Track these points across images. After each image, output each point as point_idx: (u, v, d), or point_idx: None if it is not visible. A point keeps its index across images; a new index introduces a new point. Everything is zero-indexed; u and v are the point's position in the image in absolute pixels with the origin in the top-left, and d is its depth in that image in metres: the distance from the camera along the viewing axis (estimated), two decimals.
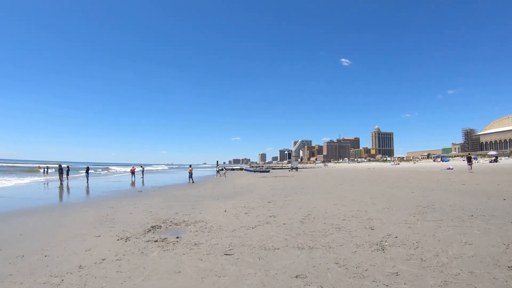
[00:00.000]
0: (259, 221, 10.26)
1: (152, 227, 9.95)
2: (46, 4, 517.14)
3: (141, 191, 24.31)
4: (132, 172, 42.76)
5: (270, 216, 11.08)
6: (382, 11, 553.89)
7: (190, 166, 36.48)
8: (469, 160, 39.85)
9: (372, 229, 8.62)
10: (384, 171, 51.84)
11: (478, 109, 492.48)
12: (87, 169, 36.77)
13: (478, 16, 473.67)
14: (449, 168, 47.54)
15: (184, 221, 10.88)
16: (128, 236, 8.67)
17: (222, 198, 17.85)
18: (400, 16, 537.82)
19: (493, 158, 69.40)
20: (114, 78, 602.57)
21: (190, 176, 35.31)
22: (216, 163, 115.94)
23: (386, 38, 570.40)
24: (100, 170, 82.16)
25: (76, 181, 36.97)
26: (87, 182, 33.65)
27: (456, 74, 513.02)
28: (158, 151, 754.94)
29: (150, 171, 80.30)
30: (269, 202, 15.13)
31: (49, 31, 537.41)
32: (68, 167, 34.11)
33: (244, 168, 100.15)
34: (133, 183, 34.66)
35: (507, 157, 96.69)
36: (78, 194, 22.47)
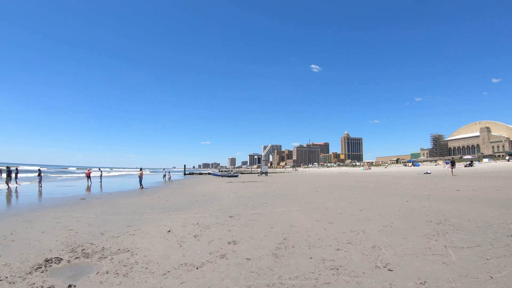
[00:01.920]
0: (210, 253, 6.89)
1: (47, 260, 6.61)
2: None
3: (84, 198, 20.55)
4: (88, 176, 39.02)
5: (229, 243, 7.71)
6: (351, 17, 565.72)
7: (140, 169, 32.46)
8: (453, 164, 41.04)
9: (389, 269, 5.46)
10: (359, 176, 49.58)
11: (445, 115, 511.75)
12: (39, 172, 32.55)
13: (445, 18, 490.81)
14: (426, 173, 45.95)
15: (103, 248, 7.54)
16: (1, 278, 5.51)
17: (174, 210, 14.34)
18: (369, 24, 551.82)
19: (468, 163, 69.02)
20: (80, 75, 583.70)
21: (140, 181, 31.47)
22: (183, 166, 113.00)
23: (355, 46, 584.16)
24: (55, 174, 75.95)
25: (28, 185, 32.53)
26: (40, 186, 30.12)
27: (424, 82, 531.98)
28: (127, 154, 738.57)
29: (113, 175, 75.05)
30: (231, 216, 11.77)
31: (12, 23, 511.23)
32: (16, 169, 30.01)
33: (211, 172, 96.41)
34: (88, 188, 31.59)
35: (477, 162, 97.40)
36: (9, 201, 18.38)
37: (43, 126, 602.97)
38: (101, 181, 41.75)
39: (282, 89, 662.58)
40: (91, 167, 50.00)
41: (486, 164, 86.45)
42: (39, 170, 33.81)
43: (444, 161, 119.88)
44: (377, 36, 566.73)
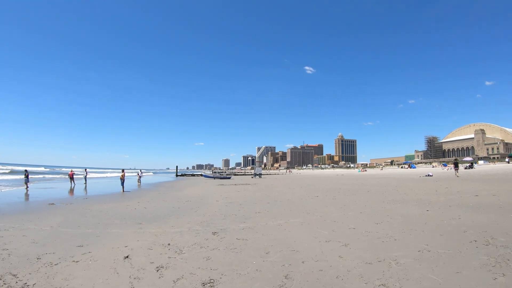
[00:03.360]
0: None
1: None
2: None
3: (53, 203, 18.05)
4: (71, 177, 36.87)
5: (204, 284, 5.16)
6: (346, 19, 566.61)
7: (123, 170, 29.74)
8: (456, 165, 41.03)
9: None
10: (357, 179, 47.11)
11: (439, 118, 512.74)
12: (26, 174, 30.38)
13: (437, 22, 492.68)
14: (428, 175, 43.71)
15: (22, 287, 5.08)
16: None
17: (148, 221, 11.81)
18: (363, 27, 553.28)
19: (469, 165, 66.98)
20: (73, 76, 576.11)
21: (122, 183, 28.74)
22: (176, 168, 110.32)
23: (349, 48, 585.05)
24: (40, 175, 72.66)
25: (14, 188, 29.70)
26: (27, 188, 28.84)
27: (416, 84, 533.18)
28: (120, 154, 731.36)
29: (100, 177, 71.90)
30: (214, 233, 9.24)
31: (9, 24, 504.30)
32: None
33: (203, 174, 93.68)
34: (71, 190, 29.80)
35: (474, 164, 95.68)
36: None
37: (35, 126, 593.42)
38: (85, 183, 39.03)
39: (276, 90, 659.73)
40: (84, 168, 47.65)
41: (486, 166, 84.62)
42: (26, 171, 31.54)
43: (442, 163, 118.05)
44: (371, 39, 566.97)
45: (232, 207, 15.50)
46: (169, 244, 7.96)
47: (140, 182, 45.71)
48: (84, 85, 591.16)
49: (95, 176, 75.75)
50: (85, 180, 40.74)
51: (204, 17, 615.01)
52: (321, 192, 23.02)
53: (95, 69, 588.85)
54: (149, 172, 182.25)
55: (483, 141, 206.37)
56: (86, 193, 27.95)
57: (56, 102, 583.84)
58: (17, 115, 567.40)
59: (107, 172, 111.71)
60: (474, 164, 72.05)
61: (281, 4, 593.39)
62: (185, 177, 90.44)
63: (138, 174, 47.91)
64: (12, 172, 71.89)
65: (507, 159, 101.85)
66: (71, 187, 33.69)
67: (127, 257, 6.89)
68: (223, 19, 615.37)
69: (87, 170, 45.98)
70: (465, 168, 61.77)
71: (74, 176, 37.68)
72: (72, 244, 8.30)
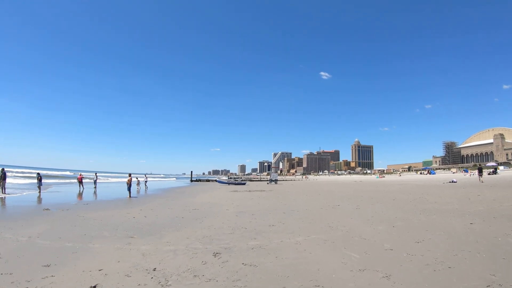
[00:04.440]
0: None
1: None
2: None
3: (48, 209, 16.61)
4: (79, 181, 35.52)
5: None
6: (361, 25, 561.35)
7: (129, 175, 28.07)
8: (480, 171, 38.63)
9: None
10: (378, 185, 44.57)
11: (456, 123, 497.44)
12: (39, 178, 29.06)
13: (454, 27, 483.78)
14: (452, 181, 41.11)
15: None
16: None
17: (142, 234, 10.03)
18: (378, 33, 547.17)
19: (492, 170, 63.49)
20: (91, 80, 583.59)
21: (128, 188, 27.04)
22: (190, 173, 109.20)
23: (365, 53, 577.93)
24: (53, 179, 71.95)
25: (25, 193, 28.48)
26: (39, 192, 27.56)
27: (433, 89, 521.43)
28: (137, 159, 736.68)
29: (112, 181, 70.82)
30: (216, 254, 7.34)
31: (27, 24, 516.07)
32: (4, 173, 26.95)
33: (217, 179, 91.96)
34: (79, 195, 28.88)
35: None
36: None
37: (53, 130, 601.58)
38: (95, 187, 37.97)
39: (292, 96, 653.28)
40: (98, 172, 46.57)
41: (508, 171, 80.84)
42: (38, 174, 30.25)
43: (462, 169, 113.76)
44: (387, 45, 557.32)
45: (243, 217, 13.58)
46: (154, 270, 6.12)
47: (146, 187, 44.45)
48: (104, 90, 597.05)
49: (108, 181, 75.05)
50: (95, 184, 39.56)
51: (221, 26, 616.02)
52: (342, 200, 20.90)
53: (114, 75, 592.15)
54: (171, 177, 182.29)
55: (503, 146, 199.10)
56: (96, 197, 27.02)
57: (72, 106, 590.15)
58: (39, 120, 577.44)
59: (121, 177, 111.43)
60: (497, 169, 68.32)
61: (296, 12, 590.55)
62: (199, 182, 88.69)
63: (138, 178, 46.21)
64: (30, 177, 71.58)
65: None
66: (79, 191, 32.60)
67: (94, 287, 5.11)
68: (238, 28, 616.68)
69: (97, 174, 44.96)
70: (489, 174, 58.56)
71: (83, 180, 36.50)
72: (39, 262, 6.67)
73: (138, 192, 33.48)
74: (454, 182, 40.51)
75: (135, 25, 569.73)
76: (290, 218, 13.12)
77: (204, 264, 6.52)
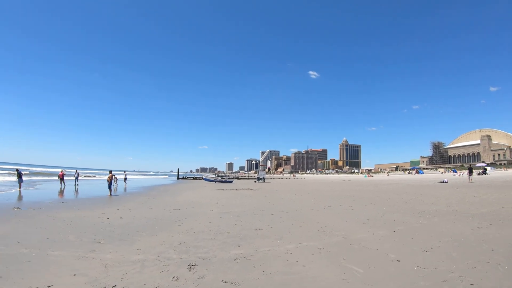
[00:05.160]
0: None
1: None
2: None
3: (18, 208, 15.40)
4: (61, 178, 34.11)
5: None
6: (349, 25, 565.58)
7: (110, 172, 26.66)
8: (470, 171, 40.42)
9: None
10: (367, 185, 43.77)
11: (443, 123, 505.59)
12: (19, 174, 28.00)
13: (441, 30, 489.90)
14: (443, 181, 40.68)
15: None
16: None
17: (110, 238, 8.80)
18: (368, 35, 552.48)
19: (482, 170, 63.51)
20: (80, 79, 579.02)
21: (109, 185, 25.74)
22: (177, 170, 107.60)
23: (353, 54, 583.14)
24: (34, 176, 69.84)
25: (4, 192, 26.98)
26: (19, 189, 27.01)
27: (420, 90, 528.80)
28: (124, 157, 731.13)
29: (96, 179, 68.79)
30: (191, 266, 6.17)
31: (13, 29, 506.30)
32: None
33: (203, 177, 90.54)
34: (61, 192, 27.84)
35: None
36: None
37: (42, 127, 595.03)
38: (76, 184, 36.47)
39: (280, 95, 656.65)
40: (85, 169, 45.07)
41: (497, 172, 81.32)
42: (17, 170, 28.95)
43: (451, 169, 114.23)
44: (375, 46, 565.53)
45: (227, 219, 12.41)
46: None
47: (126, 184, 43.07)
48: (90, 88, 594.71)
49: (92, 178, 73.26)
50: (76, 181, 38.02)
51: (210, 28, 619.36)
52: (333, 200, 19.88)
53: (100, 73, 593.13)
54: (161, 175, 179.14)
55: (490, 147, 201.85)
56: (77, 195, 25.75)
57: (60, 104, 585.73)
58: (25, 118, 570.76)
59: (107, 175, 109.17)
60: (487, 170, 68.42)
61: (285, 13, 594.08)
62: (186, 180, 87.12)
63: (114, 176, 44.65)
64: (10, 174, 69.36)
65: None
66: (60, 188, 31.15)
67: None
68: (226, 28, 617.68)
69: (78, 170, 43.29)
70: (478, 174, 58.56)
71: (64, 177, 34.95)
72: None
73: (115, 190, 31.98)
74: (445, 182, 40.08)
75: (125, 27, 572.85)
76: (278, 220, 12.01)
77: (175, 280, 5.36)
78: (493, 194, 20.38)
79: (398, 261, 6.29)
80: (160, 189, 36.72)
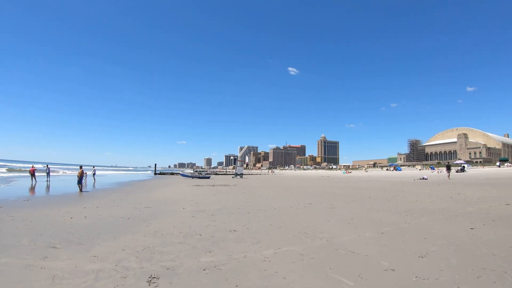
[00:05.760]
0: None
1: None
2: None
3: None
4: (32, 174, 32.97)
5: None
6: (330, 23, 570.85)
7: (81, 167, 25.32)
8: (449, 168, 43.05)
9: None
10: (347, 181, 43.39)
11: (421, 121, 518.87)
12: None
13: (420, 30, 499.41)
14: (423, 178, 40.83)
15: None
16: None
17: (67, 242, 7.77)
18: (347, 34, 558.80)
19: (460, 168, 64.57)
20: (58, 73, 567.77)
21: (79, 181, 24.35)
22: (154, 166, 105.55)
23: (333, 52, 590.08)
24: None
25: None
26: None
27: (399, 89, 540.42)
28: (102, 152, 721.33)
29: (70, 174, 66.42)
30: (151, 279, 5.22)
31: None
32: None
33: (180, 172, 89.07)
34: (31, 188, 26.88)
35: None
36: None
37: (15, 122, 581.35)
38: (48, 180, 35.25)
39: (260, 91, 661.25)
40: (61, 164, 43.40)
41: (475, 170, 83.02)
42: None
43: (429, 167, 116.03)
44: (354, 45, 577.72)
45: (200, 219, 11.47)
46: None
47: (94, 179, 41.61)
48: (68, 82, 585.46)
49: (65, 174, 70.98)
50: (48, 177, 36.69)
51: (188, 22, 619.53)
52: (313, 198, 19.16)
53: (78, 67, 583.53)
54: (140, 170, 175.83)
55: (466, 145, 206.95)
56: (47, 191, 25.04)
57: (37, 99, 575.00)
58: (2, 114, 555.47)
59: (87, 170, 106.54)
60: (465, 167, 69.58)
61: (266, 10, 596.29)
62: (163, 175, 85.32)
63: (81, 171, 42.93)
64: None
65: (498, 163, 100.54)
66: (31, 184, 30.37)
67: None
68: (205, 23, 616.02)
69: (49, 166, 41.58)
70: (457, 171, 59.55)
71: (35, 173, 33.66)
72: None
73: (85, 186, 30.49)
74: (425, 179, 40.21)
75: (102, 22, 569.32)
76: (255, 220, 11.15)
77: None
78: (476, 192, 20.14)
79: (393, 270, 5.53)
80: (135, 185, 35.45)
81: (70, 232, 9.14)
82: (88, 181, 38.18)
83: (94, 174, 43.53)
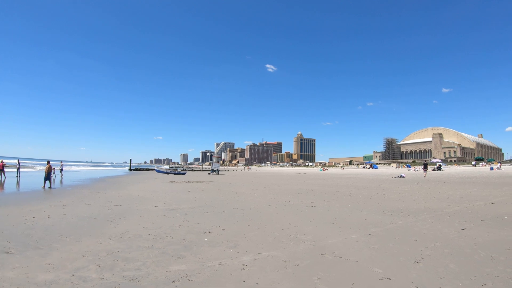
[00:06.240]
0: None
1: None
2: None
3: None
4: (1, 170, 31.60)
5: None
6: (308, 21, 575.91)
7: (48, 162, 24.09)
8: (426, 166, 43.10)
9: None
10: (324, 178, 43.07)
11: (397, 120, 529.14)
12: None
13: (397, 30, 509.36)
14: (401, 176, 40.86)
15: None
16: None
17: (22, 246, 6.89)
18: (324, 26, 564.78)
19: (437, 166, 65.40)
20: (31, 68, 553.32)
21: (47, 177, 23.19)
22: (129, 161, 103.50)
23: (310, 48, 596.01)
24: None
25: None
26: None
27: (376, 88, 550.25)
28: (77, 147, 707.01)
29: (40, 170, 63.89)
30: None
31: None
32: None
33: (155, 169, 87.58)
34: (0, 184, 26.20)
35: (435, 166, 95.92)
36: None
37: None
38: (18, 176, 34.09)
39: (237, 87, 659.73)
40: (33, 160, 41.76)
41: (450, 168, 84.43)
42: None
43: (405, 165, 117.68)
44: (332, 44, 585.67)
45: (173, 218, 10.67)
46: None
47: (62, 175, 40.45)
48: (43, 76, 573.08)
49: (36, 169, 68.41)
50: (18, 173, 35.33)
51: (165, 17, 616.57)
52: (292, 196, 18.57)
53: (55, 60, 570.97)
54: (117, 166, 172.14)
55: (441, 144, 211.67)
56: (17, 187, 24.39)
57: (11, 93, 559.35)
58: None
59: (55, 166, 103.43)
60: (441, 166, 70.65)
61: (245, 7, 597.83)
62: (138, 171, 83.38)
63: (49, 166, 41.29)
64: None
65: (473, 162, 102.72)
66: (0, 180, 29.59)
67: None
68: (183, 18, 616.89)
69: (20, 161, 39.79)
70: (433, 170, 60.26)
71: (4, 168, 32.32)
72: None
73: (53, 182, 29.07)
74: (403, 177, 40.25)
75: (79, 17, 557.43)
76: (232, 220, 10.43)
77: None
78: (457, 190, 20.00)
79: (389, 279, 4.92)
80: (108, 182, 34.09)
81: (29, 234, 8.21)
82: (56, 177, 36.79)
83: (61, 169, 41.88)
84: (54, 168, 34.51)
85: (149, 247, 7.06)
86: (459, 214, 10.91)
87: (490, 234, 7.89)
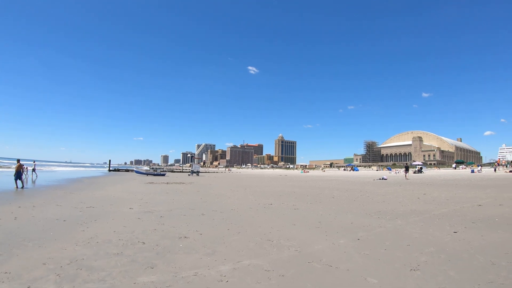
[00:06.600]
0: None
1: None
2: None
3: None
4: None
5: None
6: (290, 24, 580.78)
7: (18, 161, 23.17)
8: (407, 169, 43.83)
9: None
10: (306, 180, 42.78)
11: (378, 124, 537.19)
12: None
13: (378, 33, 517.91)
14: (383, 178, 41.17)
15: None
16: None
17: None
18: (306, 29, 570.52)
19: (418, 169, 66.46)
20: (11, 66, 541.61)
21: (18, 177, 22.51)
22: (108, 162, 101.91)
23: (292, 51, 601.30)
24: None
25: None
26: None
27: (356, 91, 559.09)
28: (56, 147, 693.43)
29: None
30: None
31: None
32: None
33: (135, 169, 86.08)
34: None
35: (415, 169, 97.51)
36: None
37: None
38: None
39: (219, 88, 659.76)
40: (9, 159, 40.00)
41: (431, 171, 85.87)
42: None
43: (386, 167, 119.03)
44: (314, 47, 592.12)
45: (147, 222, 9.97)
46: None
47: (36, 175, 38.92)
48: (21, 74, 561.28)
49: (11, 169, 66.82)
50: None
51: (147, 16, 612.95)
52: (273, 198, 18.01)
53: (35, 58, 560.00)
54: (98, 167, 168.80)
55: (421, 148, 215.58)
56: None
57: None
58: None
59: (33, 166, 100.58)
60: (422, 169, 71.66)
61: (228, 8, 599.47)
62: (117, 172, 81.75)
63: (19, 165, 39.91)
64: None
65: (453, 165, 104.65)
66: None
67: None
68: (166, 17, 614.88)
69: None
70: (414, 172, 61.10)
71: None
72: None
73: (26, 182, 27.90)
74: (385, 179, 40.53)
75: (60, 14, 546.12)
76: (210, 223, 9.79)
77: None
78: (442, 192, 19.86)
79: None
80: (85, 182, 32.93)
81: None
82: (28, 176, 35.43)
83: (34, 169, 40.38)
84: (26, 168, 33.11)
85: (117, 253, 6.37)
86: (448, 217, 10.57)
87: (484, 237, 7.52)
